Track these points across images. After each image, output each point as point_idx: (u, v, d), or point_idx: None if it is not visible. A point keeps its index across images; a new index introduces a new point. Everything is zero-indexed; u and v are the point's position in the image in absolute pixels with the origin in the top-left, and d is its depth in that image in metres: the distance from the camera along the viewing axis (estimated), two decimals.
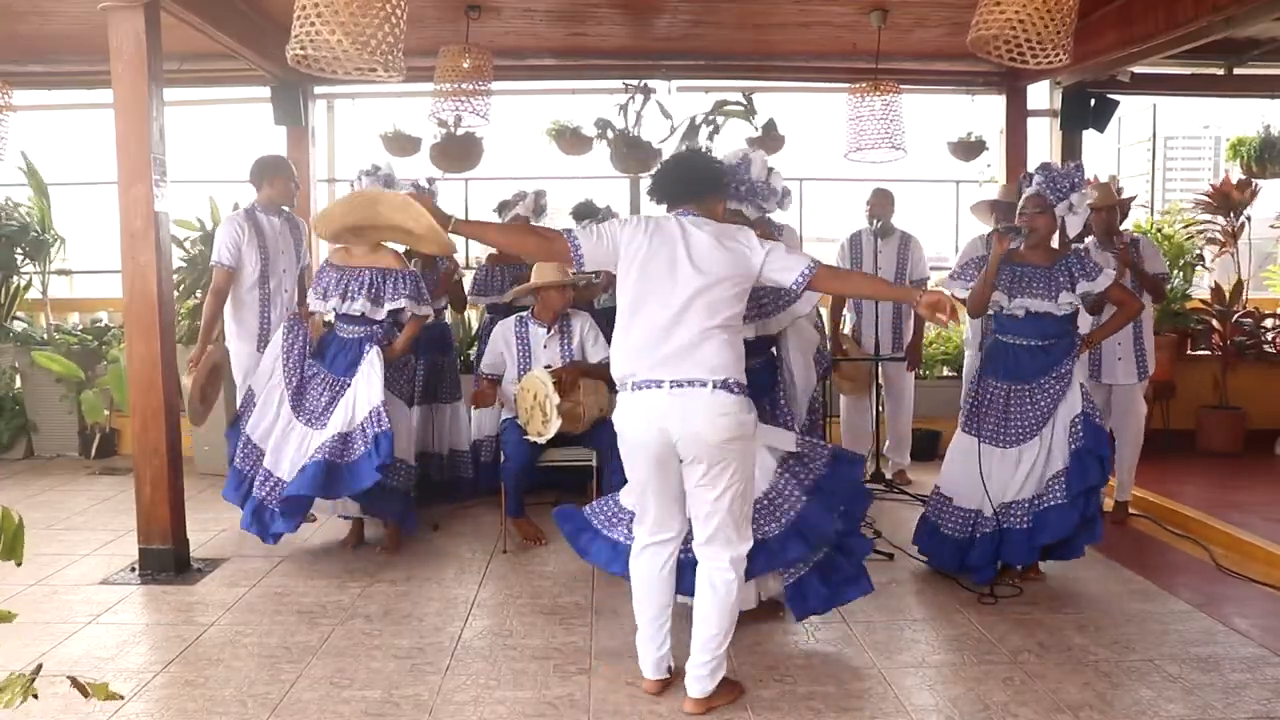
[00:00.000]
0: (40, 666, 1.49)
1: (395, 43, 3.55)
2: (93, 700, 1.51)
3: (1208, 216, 7.12)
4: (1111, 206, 4.89)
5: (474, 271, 5.65)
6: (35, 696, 1.47)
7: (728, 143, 6.76)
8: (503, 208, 5.37)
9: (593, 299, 5.33)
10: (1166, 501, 5.00)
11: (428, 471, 5.18)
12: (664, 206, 2.99)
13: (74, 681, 1.51)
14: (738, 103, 6.48)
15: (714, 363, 2.72)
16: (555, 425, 4.14)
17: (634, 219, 2.91)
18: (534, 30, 6.11)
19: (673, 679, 2.95)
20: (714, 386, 2.71)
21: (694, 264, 2.77)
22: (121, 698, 1.60)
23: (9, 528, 1.45)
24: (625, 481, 3.07)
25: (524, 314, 4.68)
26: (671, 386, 2.72)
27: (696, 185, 2.94)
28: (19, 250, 6.68)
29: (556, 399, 4.13)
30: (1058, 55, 3.69)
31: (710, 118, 6.38)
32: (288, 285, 4.87)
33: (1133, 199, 5.91)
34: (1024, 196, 3.91)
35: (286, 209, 4.95)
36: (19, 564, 1.49)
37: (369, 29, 3.44)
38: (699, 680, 2.83)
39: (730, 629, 2.86)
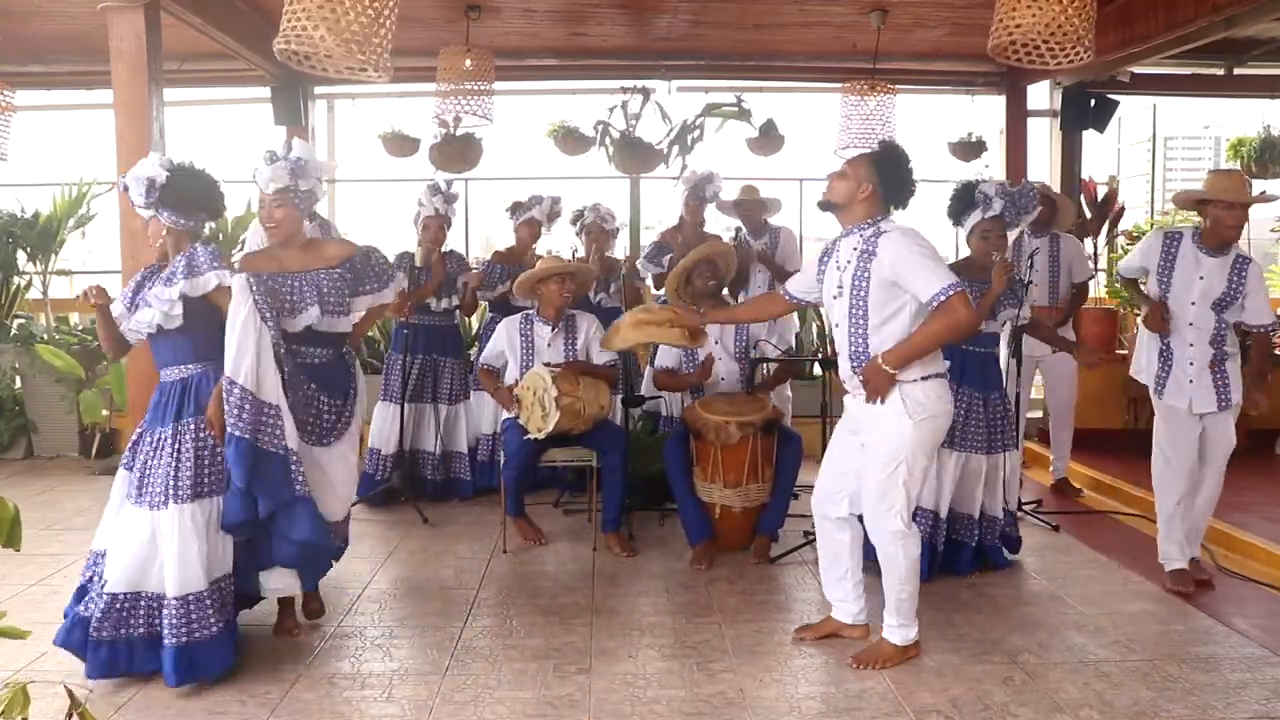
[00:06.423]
0: (29, 684, 1.49)
1: (383, 43, 3.55)
2: (91, 700, 1.51)
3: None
4: (1238, 205, 3.75)
5: (478, 270, 5.66)
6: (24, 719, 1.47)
7: (725, 145, 6.77)
8: (516, 209, 5.39)
9: (588, 294, 5.32)
10: None
11: (421, 470, 5.20)
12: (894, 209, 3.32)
13: (70, 695, 1.51)
14: (730, 104, 6.47)
15: None
16: (554, 419, 4.08)
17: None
18: (534, 30, 6.12)
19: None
20: None
21: None
22: None
23: (5, 515, 1.45)
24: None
25: (529, 311, 4.66)
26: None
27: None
28: (23, 247, 6.68)
29: (555, 392, 4.11)
30: (1079, 54, 3.66)
31: (696, 124, 6.35)
32: None
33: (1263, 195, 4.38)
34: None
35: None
36: (17, 549, 1.48)
37: (354, 26, 3.44)
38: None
39: None
